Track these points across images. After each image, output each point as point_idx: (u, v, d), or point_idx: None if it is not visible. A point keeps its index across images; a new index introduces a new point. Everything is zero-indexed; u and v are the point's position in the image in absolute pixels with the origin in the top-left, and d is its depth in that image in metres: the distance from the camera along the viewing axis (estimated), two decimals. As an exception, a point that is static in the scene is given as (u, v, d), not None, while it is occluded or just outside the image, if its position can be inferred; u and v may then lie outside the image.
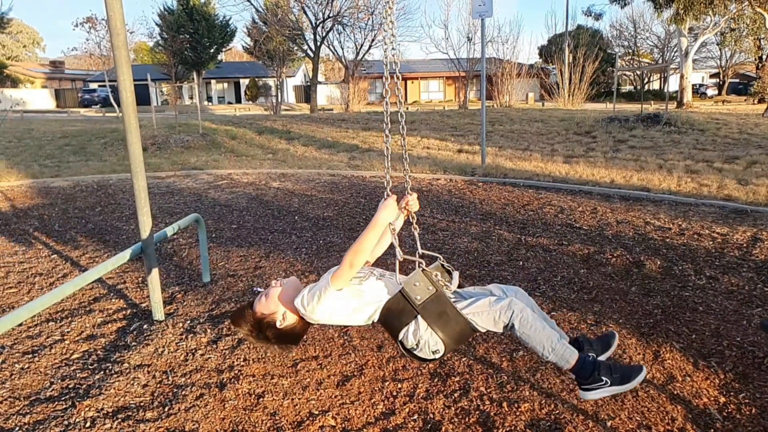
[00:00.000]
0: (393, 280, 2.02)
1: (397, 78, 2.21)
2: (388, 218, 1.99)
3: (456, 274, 2.11)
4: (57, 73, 50.79)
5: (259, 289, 4.18)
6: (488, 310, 1.92)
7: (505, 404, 2.69)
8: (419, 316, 1.90)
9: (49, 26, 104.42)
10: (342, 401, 2.74)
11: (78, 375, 3.01)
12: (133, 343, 3.36)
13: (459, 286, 2.15)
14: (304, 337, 2.21)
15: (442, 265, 2.11)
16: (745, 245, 5.08)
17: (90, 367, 3.10)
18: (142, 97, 14.98)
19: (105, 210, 7.06)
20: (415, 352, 1.96)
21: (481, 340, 3.32)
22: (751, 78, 38.68)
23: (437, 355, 1.95)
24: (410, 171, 2.25)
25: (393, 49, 2.19)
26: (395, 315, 1.93)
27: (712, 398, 2.72)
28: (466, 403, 2.71)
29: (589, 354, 2.00)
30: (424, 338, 1.91)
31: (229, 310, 3.84)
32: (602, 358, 2.05)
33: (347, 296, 1.93)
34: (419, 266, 1.90)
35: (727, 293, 3.99)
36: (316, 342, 3.34)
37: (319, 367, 3.06)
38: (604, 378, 1.90)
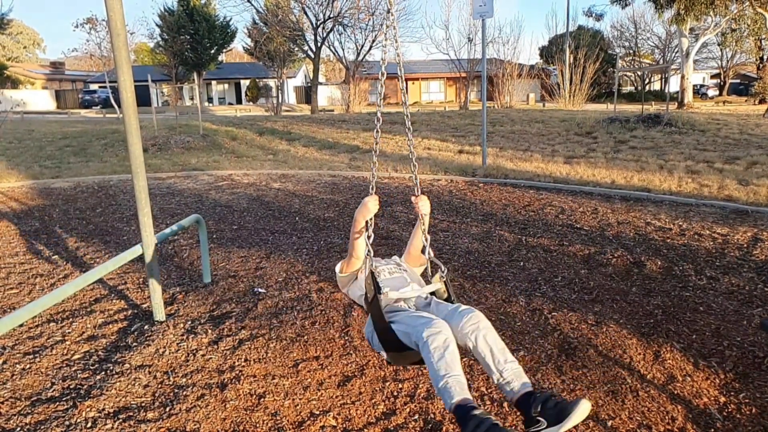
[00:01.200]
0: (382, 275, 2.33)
1: (401, 80, 2.30)
2: (364, 215, 2.25)
3: (434, 286, 2.26)
4: (57, 74, 50.86)
5: (260, 290, 4.19)
6: (407, 324, 1.94)
7: (505, 404, 2.69)
8: (370, 313, 2.12)
9: (49, 27, 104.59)
10: (343, 401, 2.75)
11: (79, 375, 3.01)
12: (134, 344, 3.37)
13: (448, 299, 2.25)
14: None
15: (441, 276, 2.28)
16: (745, 245, 5.08)
17: (91, 367, 3.10)
18: (143, 98, 15.02)
19: (106, 211, 7.07)
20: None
21: (481, 340, 3.32)
22: (752, 78, 38.67)
23: (384, 355, 2.10)
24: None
25: (397, 50, 2.25)
26: (366, 306, 2.16)
27: (713, 398, 2.72)
28: (466, 404, 2.71)
29: (475, 409, 1.72)
30: (368, 334, 2.19)
31: (230, 310, 3.85)
32: (552, 430, 1.73)
33: (352, 283, 2.42)
34: (370, 269, 2.11)
35: (727, 293, 3.99)
36: (317, 342, 3.34)
37: (320, 367, 3.07)
38: None
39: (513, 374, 1.82)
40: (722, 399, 2.71)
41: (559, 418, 1.67)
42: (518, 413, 2.35)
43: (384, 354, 2.10)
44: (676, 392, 2.77)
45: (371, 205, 2.26)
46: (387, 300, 2.14)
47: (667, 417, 2.57)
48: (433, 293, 2.29)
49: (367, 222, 2.23)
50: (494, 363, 1.83)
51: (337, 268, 2.44)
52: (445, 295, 2.27)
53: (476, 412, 1.69)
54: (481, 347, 1.84)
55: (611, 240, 5.34)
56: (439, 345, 1.78)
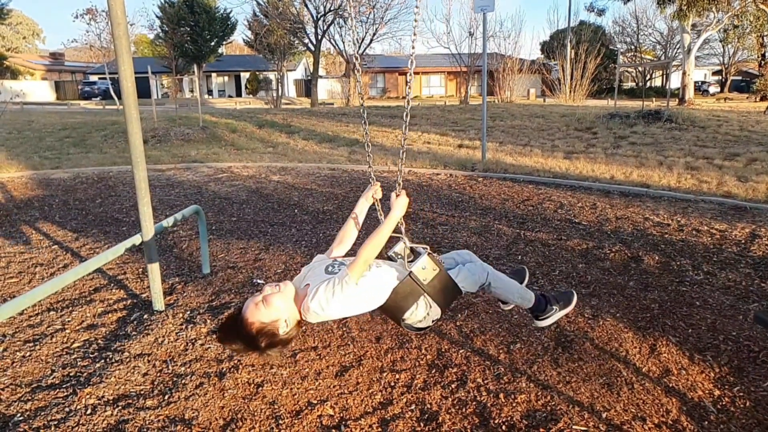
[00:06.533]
0: (393, 266, 2.16)
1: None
2: (402, 215, 2.15)
3: (419, 247, 2.25)
4: (57, 65, 50.68)
5: (259, 281, 4.21)
6: (471, 276, 2.23)
7: (501, 395, 2.71)
8: (425, 294, 2.09)
9: (48, 17, 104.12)
10: (340, 391, 2.77)
11: (79, 363, 3.03)
12: (134, 333, 3.39)
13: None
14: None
15: (405, 243, 2.23)
16: (743, 241, 5.10)
17: (91, 355, 3.12)
18: (143, 90, 14.97)
19: (105, 202, 7.08)
20: (418, 326, 2.17)
21: (478, 332, 3.34)
22: (754, 75, 38.58)
23: (433, 323, 2.21)
24: (406, 165, 2.35)
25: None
26: (402, 299, 2.08)
27: (707, 391, 2.74)
28: (463, 394, 2.73)
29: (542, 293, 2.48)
30: (433, 310, 2.14)
31: (228, 301, 3.87)
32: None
33: (361, 288, 1.98)
34: (425, 251, 2.12)
35: (724, 288, 4.01)
36: (315, 333, 3.36)
37: (317, 357, 3.09)
38: (554, 306, 2.43)
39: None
40: (717, 392, 2.73)
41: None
42: (514, 403, 2.43)
43: (436, 320, 2.19)
44: (671, 385, 2.79)
45: (407, 201, 2.17)
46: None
47: (661, 409, 2.60)
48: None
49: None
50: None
51: (352, 277, 1.92)
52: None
53: (551, 294, 2.49)
54: None
55: (609, 235, 5.36)
56: (499, 273, 2.31)
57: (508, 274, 2.46)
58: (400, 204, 2.10)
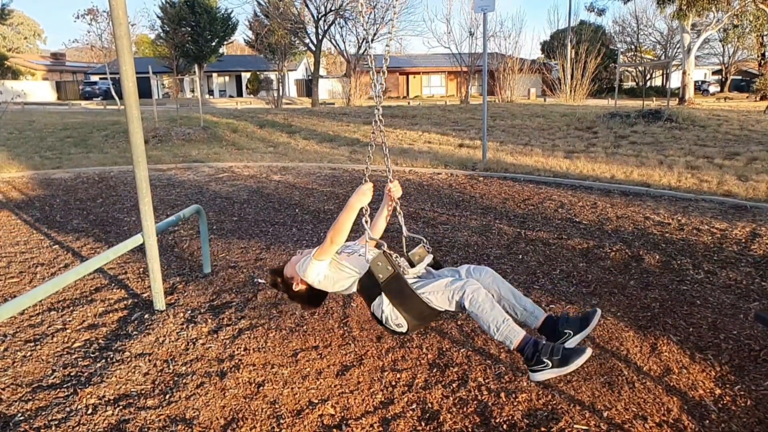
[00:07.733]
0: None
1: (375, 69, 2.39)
2: (361, 202, 2.24)
3: (429, 257, 2.34)
4: (58, 65, 50.70)
5: (260, 281, 4.21)
6: (443, 290, 2.12)
7: (503, 394, 2.71)
8: (383, 293, 2.13)
9: (50, 18, 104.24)
10: (341, 390, 2.77)
11: (80, 363, 3.04)
12: (135, 333, 3.39)
13: (437, 267, 2.36)
14: (324, 302, 2.65)
15: (424, 247, 2.34)
16: (743, 240, 5.10)
17: (91, 355, 3.12)
18: (144, 90, 14.95)
19: (106, 201, 7.08)
20: (383, 324, 2.21)
21: (479, 331, 3.34)
22: (754, 75, 38.53)
23: (401, 329, 2.19)
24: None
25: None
26: (366, 289, 2.20)
27: (708, 390, 2.74)
28: (464, 393, 2.73)
29: (555, 332, 2.12)
30: (386, 312, 2.15)
31: (229, 300, 3.87)
32: (580, 336, 2.10)
33: (329, 269, 2.27)
34: (381, 248, 2.14)
35: (724, 287, 4.01)
36: (316, 332, 3.36)
37: (318, 356, 3.09)
38: (545, 360, 1.96)
39: (532, 306, 2.21)
40: (718, 391, 2.73)
41: (583, 325, 2.10)
42: (515, 402, 2.42)
43: (403, 328, 2.17)
44: (672, 384, 2.79)
45: (370, 193, 2.28)
46: (414, 274, 2.25)
47: (662, 408, 2.60)
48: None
49: (362, 208, 2.26)
50: (517, 301, 2.20)
51: (314, 255, 2.23)
52: (433, 263, 2.43)
53: (541, 341, 2.02)
54: (504, 292, 2.21)
55: (610, 234, 5.35)
56: (485, 298, 2.06)
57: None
58: (357, 191, 2.25)
